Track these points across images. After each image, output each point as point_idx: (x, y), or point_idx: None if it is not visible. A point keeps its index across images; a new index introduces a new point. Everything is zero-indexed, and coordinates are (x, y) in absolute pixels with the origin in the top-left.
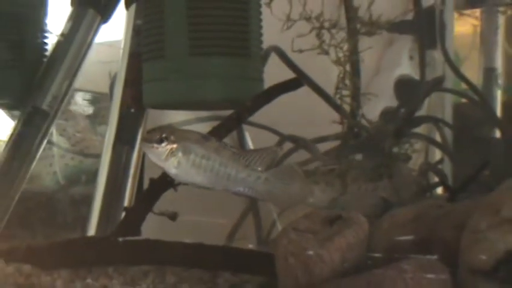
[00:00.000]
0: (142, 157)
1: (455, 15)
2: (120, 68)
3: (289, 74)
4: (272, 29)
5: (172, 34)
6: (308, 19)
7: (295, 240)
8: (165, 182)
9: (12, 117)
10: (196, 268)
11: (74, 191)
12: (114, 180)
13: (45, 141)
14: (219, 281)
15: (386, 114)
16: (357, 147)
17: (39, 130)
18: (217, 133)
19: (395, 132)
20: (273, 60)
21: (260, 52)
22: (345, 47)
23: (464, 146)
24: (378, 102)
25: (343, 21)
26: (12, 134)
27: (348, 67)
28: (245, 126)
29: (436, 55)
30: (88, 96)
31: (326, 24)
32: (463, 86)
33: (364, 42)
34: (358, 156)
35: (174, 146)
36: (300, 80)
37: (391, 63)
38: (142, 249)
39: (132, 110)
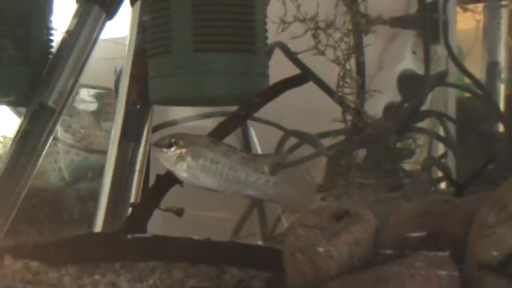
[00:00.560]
0: (148, 153)
1: (459, 9)
2: (126, 64)
3: (289, 71)
4: (270, 30)
5: (178, 30)
6: (303, 20)
7: (303, 236)
8: (171, 178)
9: (18, 114)
10: (203, 264)
11: (79, 187)
12: (121, 177)
13: (51, 138)
14: (226, 277)
15: (390, 109)
16: (360, 143)
17: (45, 127)
18: (224, 129)
19: (399, 127)
20: (274, 57)
21: (265, 48)
22: (343, 46)
23: (467, 140)
24: (381, 97)
25: (339, 21)
26: (18, 131)
27: (348, 65)
28: (249, 122)
29: (439, 50)
30: (92, 92)
31: (321, 25)
32: (466, 80)
33: (366, 37)
34: (362, 151)
35: (183, 150)
36: (305, 75)
37: (394, 58)
38: (150, 245)
39: (138, 106)
